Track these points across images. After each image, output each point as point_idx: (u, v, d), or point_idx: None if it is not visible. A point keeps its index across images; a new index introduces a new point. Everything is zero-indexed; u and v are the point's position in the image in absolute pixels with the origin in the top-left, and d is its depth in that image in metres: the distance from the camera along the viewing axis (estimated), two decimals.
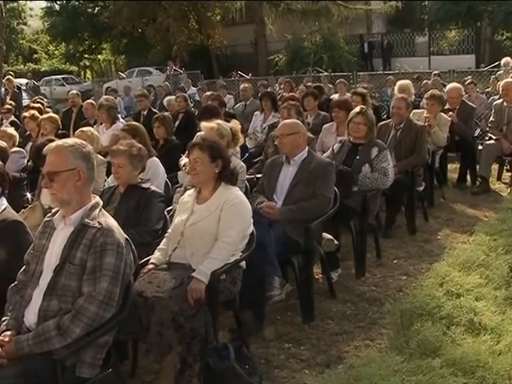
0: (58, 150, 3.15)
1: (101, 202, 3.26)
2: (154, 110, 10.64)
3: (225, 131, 5.36)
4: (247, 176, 6.02)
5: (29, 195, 5.75)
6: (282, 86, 14.42)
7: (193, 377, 3.81)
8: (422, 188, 7.16)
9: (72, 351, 2.96)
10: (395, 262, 5.92)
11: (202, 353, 3.60)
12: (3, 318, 3.16)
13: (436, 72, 15.63)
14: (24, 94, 20.12)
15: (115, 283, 3.04)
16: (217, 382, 3.49)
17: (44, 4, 43.32)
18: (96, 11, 38.57)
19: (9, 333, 3.02)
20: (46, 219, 3.31)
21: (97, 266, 3.00)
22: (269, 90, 13.05)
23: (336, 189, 5.05)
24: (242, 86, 11.99)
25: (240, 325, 4.18)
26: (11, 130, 7.87)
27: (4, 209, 3.73)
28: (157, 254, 4.15)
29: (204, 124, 5.41)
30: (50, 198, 3.18)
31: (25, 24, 49.02)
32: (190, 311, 3.58)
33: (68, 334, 2.92)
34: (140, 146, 4.86)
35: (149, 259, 4.10)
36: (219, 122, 5.47)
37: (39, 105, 10.94)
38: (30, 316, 3.08)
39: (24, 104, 14.61)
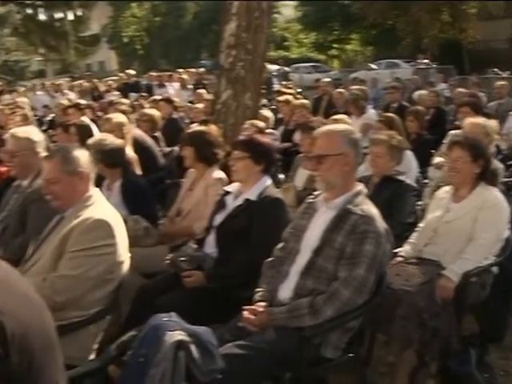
0: (329, 134, 3.25)
1: (364, 190, 3.29)
2: (404, 103, 10.49)
3: (490, 129, 5.13)
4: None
5: (282, 176, 6.00)
6: None
7: (428, 376, 3.70)
8: None
9: (321, 331, 3.04)
10: None
11: (440, 353, 3.51)
12: (258, 290, 3.32)
13: None
14: (275, 80, 20.96)
15: (371, 271, 3.04)
16: None
17: None
18: (347, 2, 38.98)
19: (263, 304, 3.16)
20: (308, 200, 3.42)
21: (355, 252, 3.03)
22: None
23: None
24: (497, 83, 11.38)
25: (482, 331, 4.01)
26: (267, 113, 8.28)
27: (267, 186, 3.91)
28: (406, 247, 4.11)
29: (470, 120, 5.22)
30: (318, 180, 3.27)
31: (278, 12, 51.19)
32: (436, 309, 3.51)
33: (320, 314, 2.98)
34: (400, 138, 4.84)
35: (397, 251, 4.08)
36: (484, 119, 5.26)
37: (292, 90, 11.35)
38: (285, 291, 3.18)
39: (275, 89, 15.25)
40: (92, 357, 3.17)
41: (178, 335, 2.35)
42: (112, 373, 2.94)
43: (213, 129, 5.33)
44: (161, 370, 2.30)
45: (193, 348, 2.39)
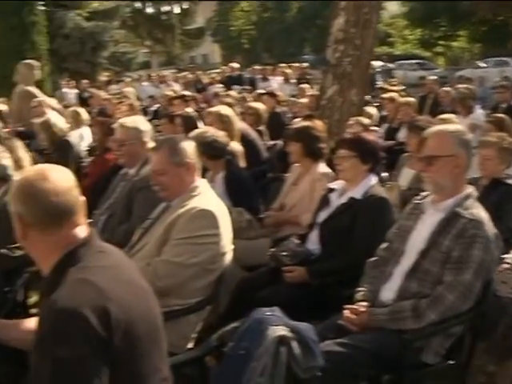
0: (440, 134, 3.15)
1: (475, 193, 3.18)
2: None
3: None
4: None
5: (385, 174, 5.89)
6: None
7: None
8: None
9: (423, 335, 2.97)
10: None
11: None
12: (359, 289, 3.27)
13: None
14: (378, 76, 20.61)
15: (478, 277, 2.94)
16: None
17: None
18: None
19: (365, 303, 3.11)
20: (415, 201, 3.33)
21: (463, 257, 2.93)
22: None
23: None
24: None
25: None
26: (372, 110, 8.17)
27: (373, 185, 3.85)
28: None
29: None
30: (427, 181, 3.18)
31: (383, 8, 50.30)
32: None
33: (423, 317, 2.91)
34: (511, 140, 4.65)
35: (505, 258, 3.91)
36: None
37: (397, 88, 11.13)
38: (387, 292, 3.13)
39: (378, 86, 15.00)
40: (190, 345, 3.22)
41: (281, 330, 2.35)
42: (208, 362, 2.97)
43: (318, 124, 5.29)
44: (262, 363, 2.31)
45: (294, 344, 2.39)
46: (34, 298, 4.30)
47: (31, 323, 2.27)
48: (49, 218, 1.93)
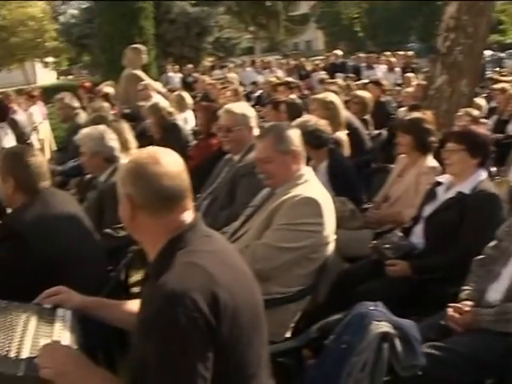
0: None
1: None
2: None
3: None
4: None
5: (494, 169, 5.67)
6: None
7: None
8: None
9: None
10: None
11: None
12: (464, 287, 3.16)
13: None
14: (487, 66, 19.86)
15: None
16: None
17: None
18: None
19: (469, 303, 3.00)
20: None
21: None
22: None
23: None
24: None
25: None
26: (481, 101, 7.89)
27: (482, 180, 3.70)
28: None
29: None
30: None
31: None
32: None
33: None
34: None
35: None
36: None
37: (509, 78, 10.68)
38: (494, 293, 3.01)
39: (487, 76, 14.45)
40: (288, 334, 3.21)
41: (384, 326, 2.30)
42: (304, 352, 2.95)
43: (429, 115, 5.12)
44: (363, 359, 2.27)
45: (396, 341, 2.33)
46: (134, 277, 4.44)
47: (134, 304, 2.31)
48: (160, 201, 1.96)
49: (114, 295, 3.02)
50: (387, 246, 3.72)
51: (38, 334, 2.10)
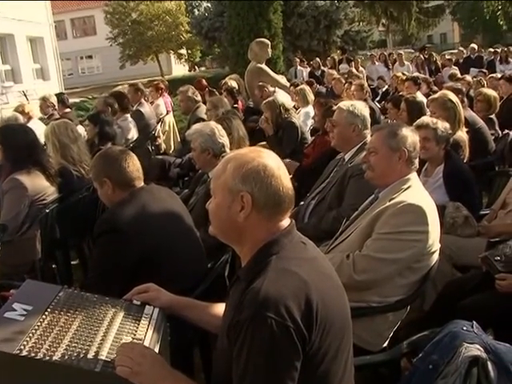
0: None
1: None
2: None
3: None
4: None
5: None
6: None
7: None
8: None
9: None
10: None
11: None
12: None
13: None
14: None
15: None
16: None
17: None
18: None
19: None
20: None
21: None
22: None
23: None
24: None
25: None
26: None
27: None
28: None
29: None
30: None
31: None
32: None
33: None
34: None
35: None
36: None
37: None
38: None
39: None
40: (385, 344, 3.10)
41: (476, 350, 2.13)
42: (403, 363, 2.82)
43: None
44: (449, 383, 2.12)
45: (489, 366, 2.16)
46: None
47: (221, 307, 2.29)
48: (277, 205, 1.95)
49: (213, 292, 3.04)
50: (498, 258, 3.47)
51: (122, 331, 2.13)
